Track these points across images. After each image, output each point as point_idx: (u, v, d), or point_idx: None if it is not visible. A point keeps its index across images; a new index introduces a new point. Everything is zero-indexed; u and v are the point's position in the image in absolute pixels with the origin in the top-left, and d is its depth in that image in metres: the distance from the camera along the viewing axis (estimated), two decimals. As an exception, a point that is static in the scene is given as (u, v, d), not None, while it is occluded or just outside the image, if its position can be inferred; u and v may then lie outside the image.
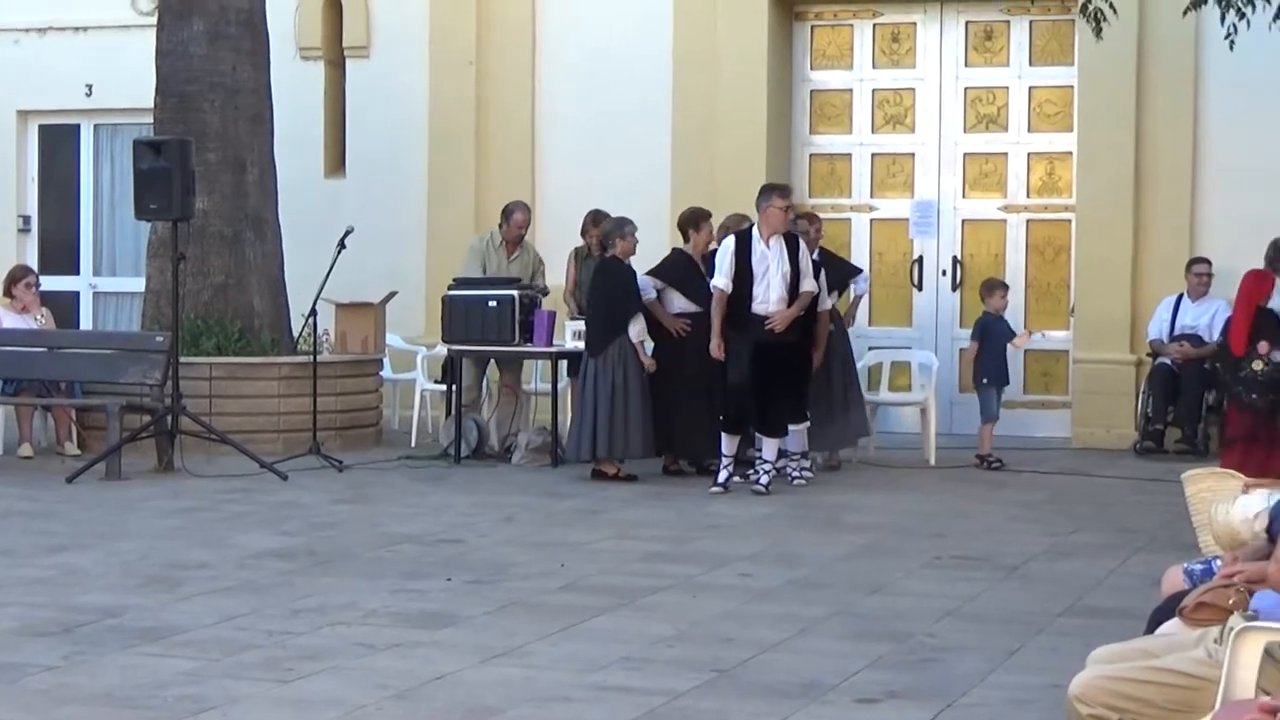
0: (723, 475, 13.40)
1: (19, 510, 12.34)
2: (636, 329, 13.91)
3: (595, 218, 15.50)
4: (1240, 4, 13.59)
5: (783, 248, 13.36)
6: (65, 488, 13.41)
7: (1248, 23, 13.73)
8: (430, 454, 15.44)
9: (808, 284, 13.43)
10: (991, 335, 15.36)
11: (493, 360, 15.70)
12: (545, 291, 15.69)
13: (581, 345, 14.51)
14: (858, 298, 15.40)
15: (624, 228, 14.18)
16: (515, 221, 15.82)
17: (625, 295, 14.02)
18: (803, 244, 13.57)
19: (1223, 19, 13.65)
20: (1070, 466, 15.18)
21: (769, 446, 13.42)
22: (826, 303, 14.00)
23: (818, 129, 18.16)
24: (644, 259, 14.37)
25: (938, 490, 13.74)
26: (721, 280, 13.41)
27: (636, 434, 13.87)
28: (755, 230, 13.47)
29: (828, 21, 18.07)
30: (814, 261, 13.85)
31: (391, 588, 9.39)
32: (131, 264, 19.35)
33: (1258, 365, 13.87)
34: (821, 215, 15.87)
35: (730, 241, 13.50)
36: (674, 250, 14.65)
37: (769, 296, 13.30)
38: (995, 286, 15.66)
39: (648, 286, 14.18)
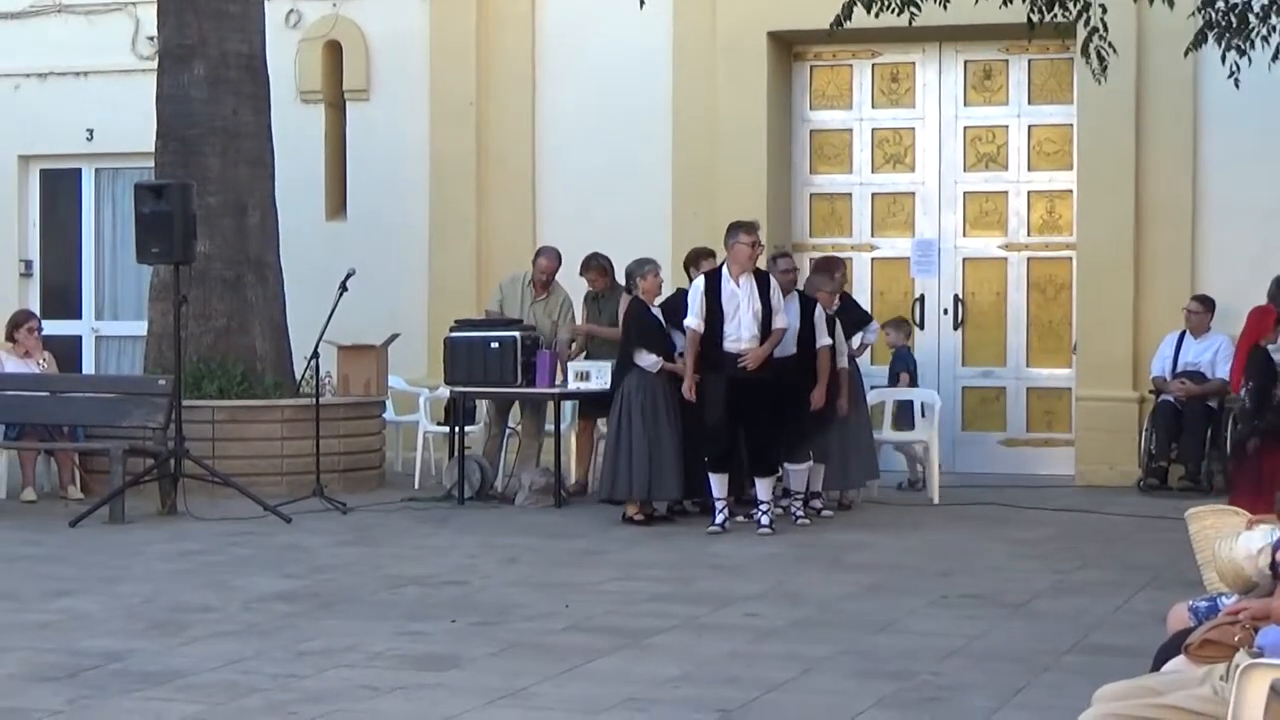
0: (719, 517, 13.36)
1: (23, 555, 12.33)
2: (647, 360, 13.83)
3: (587, 262, 15.58)
4: (1240, 43, 13.63)
5: (753, 285, 13.35)
6: (69, 532, 13.41)
7: (1249, 60, 13.77)
8: (434, 496, 15.43)
9: (779, 321, 13.42)
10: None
11: (516, 403, 15.72)
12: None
13: (583, 386, 14.63)
14: (864, 346, 15.39)
15: (643, 267, 14.26)
16: (539, 266, 15.76)
17: (626, 333, 14.07)
18: (774, 281, 13.56)
19: (1223, 58, 13.67)
20: (1074, 504, 15.16)
21: (762, 486, 13.42)
22: (824, 340, 13.92)
23: (818, 169, 18.19)
24: (648, 300, 14.40)
25: (941, 529, 13.72)
26: (693, 320, 13.40)
27: (623, 472, 13.73)
28: (725, 269, 13.49)
29: (827, 62, 18.11)
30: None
31: (396, 630, 9.37)
32: (133, 308, 19.36)
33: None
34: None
35: (700, 281, 13.54)
36: (678, 290, 14.67)
37: (741, 334, 13.30)
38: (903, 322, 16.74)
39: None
